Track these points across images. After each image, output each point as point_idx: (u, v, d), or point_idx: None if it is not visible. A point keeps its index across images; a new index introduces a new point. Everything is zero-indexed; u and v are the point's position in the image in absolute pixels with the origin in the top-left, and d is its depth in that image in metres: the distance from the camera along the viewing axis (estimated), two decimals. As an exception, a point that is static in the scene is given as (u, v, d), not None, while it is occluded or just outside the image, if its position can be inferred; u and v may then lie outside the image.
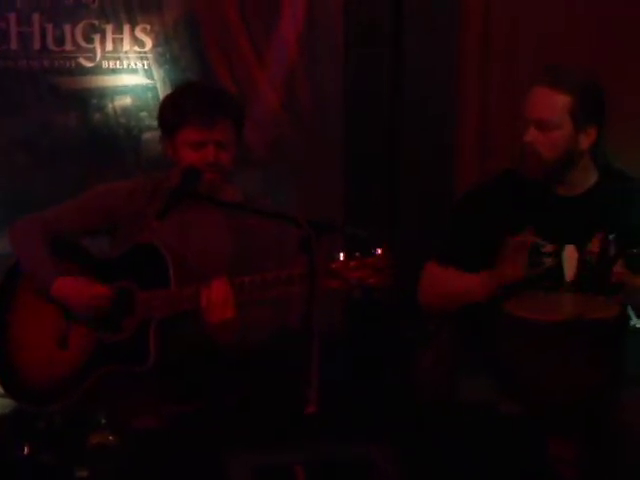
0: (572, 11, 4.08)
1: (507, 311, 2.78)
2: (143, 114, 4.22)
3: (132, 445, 2.95)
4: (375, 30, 4.22)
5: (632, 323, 3.06)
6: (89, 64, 4.16)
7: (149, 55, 4.19)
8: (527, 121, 2.94)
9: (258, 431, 2.89)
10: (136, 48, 4.18)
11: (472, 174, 4.06)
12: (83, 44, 4.15)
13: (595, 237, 2.94)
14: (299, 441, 2.53)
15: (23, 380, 3.08)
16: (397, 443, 2.73)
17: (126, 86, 4.21)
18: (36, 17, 4.11)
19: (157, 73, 4.20)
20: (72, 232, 3.11)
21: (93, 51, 4.15)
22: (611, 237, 2.93)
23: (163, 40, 4.20)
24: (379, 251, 2.70)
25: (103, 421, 3.03)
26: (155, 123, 3.20)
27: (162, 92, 4.13)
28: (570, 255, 2.92)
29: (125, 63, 4.18)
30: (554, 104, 2.91)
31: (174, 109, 3.04)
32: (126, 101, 4.22)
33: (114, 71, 4.18)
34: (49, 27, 4.12)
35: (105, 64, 4.17)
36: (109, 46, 4.16)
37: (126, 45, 4.17)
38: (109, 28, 4.15)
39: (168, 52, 4.21)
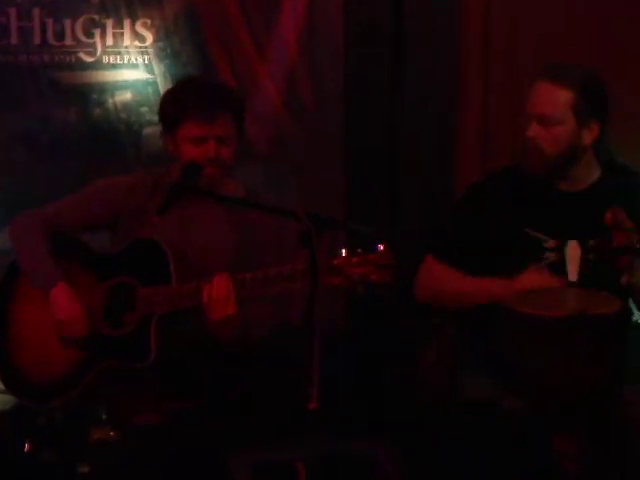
0: (572, 11, 4.07)
1: (510, 307, 2.77)
2: (144, 109, 4.21)
3: (133, 441, 2.95)
4: (375, 30, 4.21)
5: (634, 319, 3.06)
6: (89, 59, 4.15)
7: (150, 50, 4.18)
8: (529, 116, 2.94)
9: (259, 427, 2.89)
10: (137, 43, 4.17)
11: (473, 174, 4.04)
12: (83, 39, 4.14)
13: (598, 233, 2.93)
14: (300, 437, 2.52)
15: (23, 376, 3.07)
16: (399, 440, 2.73)
17: (126, 81, 4.20)
18: (36, 12, 4.11)
19: (158, 68, 4.20)
20: (72, 227, 3.10)
21: (93, 46, 4.15)
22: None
23: (164, 35, 4.19)
24: (381, 247, 2.69)
25: (104, 417, 3.04)
26: (156, 118, 3.19)
27: (163, 87, 4.12)
28: (573, 251, 2.91)
29: (125, 58, 4.18)
30: (556, 99, 2.90)
31: (175, 104, 3.03)
32: (126, 96, 4.22)
33: (114, 66, 4.18)
34: (49, 22, 4.11)
35: (105, 59, 4.16)
36: (109, 41, 4.15)
37: (126, 40, 4.16)
38: (109, 23, 4.15)
39: (169, 47, 4.20)
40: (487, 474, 2.75)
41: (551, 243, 2.94)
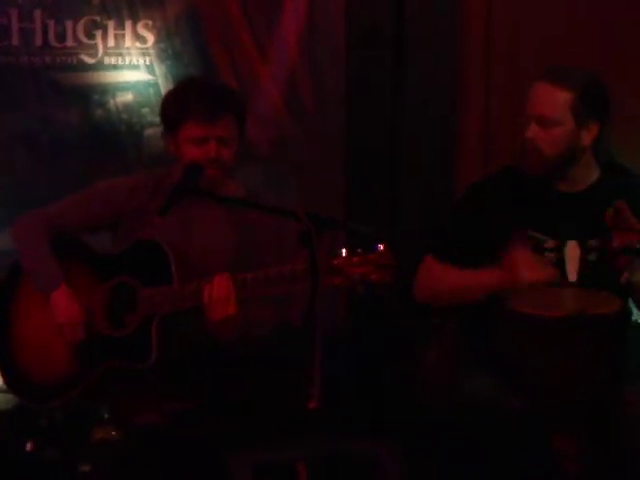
0: (574, 14, 4.07)
1: (510, 307, 2.78)
2: (145, 110, 4.21)
3: (135, 441, 2.96)
4: (377, 32, 4.21)
5: (634, 319, 3.06)
6: (91, 60, 4.15)
7: (151, 51, 4.18)
8: (528, 117, 2.94)
9: (260, 427, 2.89)
10: (138, 44, 4.17)
11: (474, 176, 4.03)
12: (85, 40, 4.14)
13: (597, 233, 2.94)
14: (301, 437, 2.53)
15: (25, 376, 3.08)
16: (399, 439, 2.73)
17: (128, 82, 4.20)
18: (38, 13, 4.10)
19: (159, 69, 4.20)
20: (74, 228, 3.11)
21: (95, 47, 4.14)
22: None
23: (165, 36, 4.19)
24: (381, 247, 2.69)
25: (106, 416, 3.04)
26: (157, 119, 3.20)
27: (164, 88, 4.12)
28: (572, 251, 2.92)
29: (127, 59, 4.17)
30: (556, 100, 2.90)
31: (176, 105, 3.03)
32: (128, 97, 4.22)
33: (116, 67, 4.17)
34: (51, 23, 4.11)
35: (107, 60, 4.16)
36: (111, 42, 4.15)
37: (128, 41, 4.16)
38: (111, 24, 4.14)
39: (170, 48, 4.20)
40: (487, 474, 2.76)
41: (550, 243, 2.95)
